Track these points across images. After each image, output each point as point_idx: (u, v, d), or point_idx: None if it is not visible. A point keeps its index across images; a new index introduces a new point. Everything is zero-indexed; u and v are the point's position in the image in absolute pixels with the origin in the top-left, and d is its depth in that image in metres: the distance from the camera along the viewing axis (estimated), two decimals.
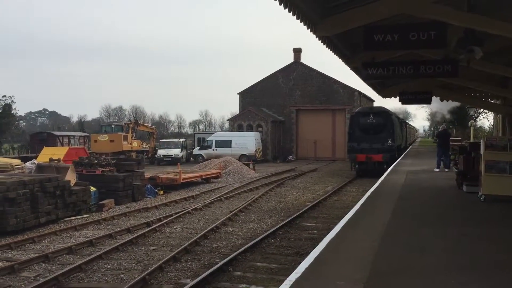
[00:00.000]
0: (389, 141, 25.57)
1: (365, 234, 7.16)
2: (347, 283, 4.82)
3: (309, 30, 6.75)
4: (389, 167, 20.75)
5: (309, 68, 46.87)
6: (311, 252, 6.01)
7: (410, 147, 45.79)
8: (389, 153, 25.43)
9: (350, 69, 11.13)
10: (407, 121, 65.13)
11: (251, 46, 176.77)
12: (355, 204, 10.53)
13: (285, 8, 5.57)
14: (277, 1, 5.36)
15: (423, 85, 16.48)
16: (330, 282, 4.84)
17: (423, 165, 21.19)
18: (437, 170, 18.17)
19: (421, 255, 5.90)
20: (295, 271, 5.22)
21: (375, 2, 7.02)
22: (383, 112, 27.37)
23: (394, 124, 27.02)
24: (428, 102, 17.33)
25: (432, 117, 68.10)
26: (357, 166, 26.69)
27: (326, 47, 8.62)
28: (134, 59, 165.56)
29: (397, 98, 16.89)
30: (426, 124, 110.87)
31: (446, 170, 18.02)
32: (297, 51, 47.54)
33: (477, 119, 43.89)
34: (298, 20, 6.20)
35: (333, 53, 9.34)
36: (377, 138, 25.75)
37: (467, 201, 10.80)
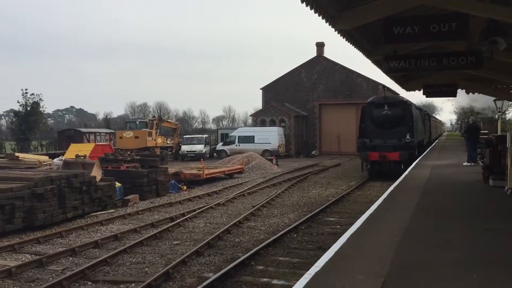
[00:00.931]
0: (408, 137, 21.63)
1: (387, 229, 7.11)
2: (367, 276, 4.81)
3: (327, 23, 6.71)
4: (408, 167, 18.18)
5: (332, 62, 46.52)
6: (332, 247, 6.00)
7: (435, 142, 43.65)
8: (407, 150, 21.55)
9: (372, 62, 11.00)
10: (432, 115, 63.04)
11: (274, 41, 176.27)
12: (378, 199, 10.45)
13: (302, 2, 5.55)
14: None
15: (447, 77, 16.15)
16: (350, 276, 4.83)
17: (449, 159, 20.86)
18: (468, 164, 17.83)
19: (443, 250, 5.83)
20: (315, 264, 5.23)
21: None
22: (400, 103, 23.46)
23: (413, 117, 23.02)
24: (453, 95, 17.00)
25: (460, 110, 66.19)
26: (369, 166, 22.85)
27: (346, 40, 8.55)
28: (158, 56, 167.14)
29: (421, 91, 16.63)
30: (453, 117, 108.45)
31: (473, 164, 17.70)
32: (320, 45, 47.23)
33: (506, 112, 42.74)
34: (316, 14, 6.18)
35: (353, 46, 9.25)
36: (394, 133, 22.04)
37: (493, 196, 10.60)
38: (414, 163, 19.24)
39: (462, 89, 17.75)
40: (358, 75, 45.30)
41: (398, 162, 21.35)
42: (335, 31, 7.42)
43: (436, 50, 10.44)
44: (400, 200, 10.06)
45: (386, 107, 22.34)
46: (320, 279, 4.76)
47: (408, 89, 17.31)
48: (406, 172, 15.66)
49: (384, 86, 44.96)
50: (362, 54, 9.88)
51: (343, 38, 8.20)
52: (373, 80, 45.03)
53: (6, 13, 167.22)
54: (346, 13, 7.02)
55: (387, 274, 4.87)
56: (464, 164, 17.96)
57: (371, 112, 22.67)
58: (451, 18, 6.79)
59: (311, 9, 5.99)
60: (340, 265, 5.23)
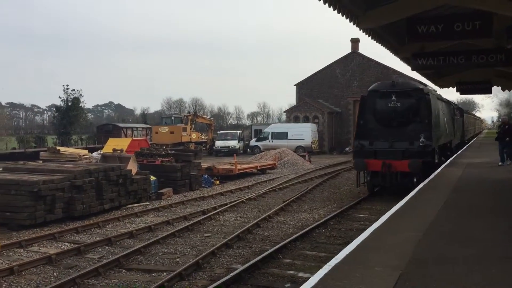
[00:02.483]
0: (423, 139, 15.12)
1: (411, 224, 7.20)
2: (385, 269, 4.97)
3: (351, 23, 6.84)
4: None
5: (367, 58, 46.05)
6: (354, 240, 6.16)
7: (472, 141, 41.05)
8: (421, 158, 15.15)
9: (400, 59, 11.00)
10: (465, 110, 53.71)
11: (309, 38, 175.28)
12: (406, 196, 10.46)
13: (325, 3, 5.69)
14: None
15: (481, 74, 15.87)
16: (368, 268, 5.00)
17: (485, 158, 20.41)
18: (501, 164, 17.40)
19: (466, 246, 5.90)
20: (335, 257, 5.42)
21: None
22: (414, 91, 16.33)
23: (433, 111, 16.38)
24: (488, 92, 16.69)
25: (504, 106, 63.47)
26: (368, 178, 16.48)
27: (372, 38, 8.62)
28: (195, 52, 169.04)
29: (455, 88, 16.37)
30: (495, 114, 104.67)
31: (508, 163, 17.29)
32: (355, 41, 46.79)
33: None
34: (340, 14, 6.32)
35: (380, 44, 9.30)
36: (403, 133, 15.75)
37: None
38: (448, 161, 18.94)
39: (497, 86, 17.38)
40: (394, 71, 44.66)
41: (407, 174, 15.15)
42: (360, 30, 7.53)
43: (465, 47, 10.36)
44: (428, 197, 10.07)
45: (393, 97, 15.77)
46: (338, 270, 4.95)
47: (441, 86, 17.10)
48: (438, 170, 15.49)
49: (420, 83, 44.10)
50: (389, 51, 9.90)
51: (369, 36, 8.29)
52: (409, 76, 44.31)
53: (51, 12, 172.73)
54: (370, 12, 7.11)
55: (405, 267, 5.01)
56: (499, 164, 17.55)
57: (374, 104, 16.41)
58: (475, 16, 6.80)
59: (334, 9, 6.14)
60: (360, 258, 5.40)
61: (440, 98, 19.28)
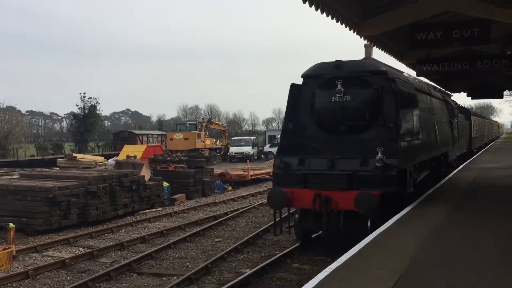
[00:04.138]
0: (380, 154, 8.62)
1: (414, 230, 7.24)
2: (385, 272, 5.06)
3: (351, 31, 6.96)
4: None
5: (382, 63, 45.88)
6: (356, 245, 6.26)
7: (487, 147, 37.03)
8: (378, 187, 8.67)
9: (405, 65, 11.04)
10: (473, 111, 34.23)
11: (322, 44, 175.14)
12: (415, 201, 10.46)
13: (322, 13, 5.84)
14: (313, 6, 5.67)
15: (491, 79, 15.79)
16: (368, 271, 5.10)
17: (501, 162, 20.15)
18: None
19: (467, 250, 5.95)
20: (336, 260, 5.53)
21: (417, 2, 7.08)
22: (372, 75, 9.36)
23: (403, 107, 9.57)
24: (500, 96, 16.59)
25: None
26: (297, 218, 9.93)
27: (375, 46, 8.70)
28: (212, 59, 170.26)
29: (466, 93, 16.34)
30: None
31: None
32: (368, 47, 46.55)
33: None
34: (339, 23, 6.46)
35: (383, 51, 9.37)
36: (354, 144, 9.33)
37: None
38: (461, 166, 18.75)
39: (509, 90, 17.27)
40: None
41: (356, 215, 8.74)
42: (361, 37, 7.64)
43: (469, 53, 10.38)
44: (436, 203, 10.06)
45: (339, 87, 9.17)
46: (339, 273, 5.06)
47: (451, 91, 17.01)
48: (450, 175, 15.38)
49: (435, 87, 43.69)
50: (394, 58, 9.98)
51: (371, 43, 8.38)
52: (425, 81, 43.95)
53: (75, 22, 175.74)
54: (370, 20, 7.24)
55: (405, 270, 5.10)
56: None
57: (310, 96, 9.81)
58: (473, 23, 6.87)
59: (332, 18, 6.27)
60: (361, 262, 5.50)
61: (423, 89, 11.32)
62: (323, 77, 9.58)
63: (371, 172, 8.64)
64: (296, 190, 9.08)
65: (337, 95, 9.14)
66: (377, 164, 8.51)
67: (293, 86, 9.92)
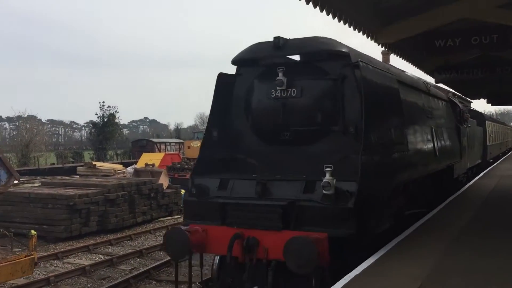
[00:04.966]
0: (327, 178, 5.44)
1: (436, 237, 7.16)
2: (406, 279, 5.02)
3: (369, 39, 6.97)
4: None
5: (400, 70, 45.59)
6: (375, 253, 6.21)
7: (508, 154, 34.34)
8: (329, 228, 5.44)
9: (424, 72, 10.98)
10: (496, 118, 36.37)
11: None
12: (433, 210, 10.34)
13: (339, 21, 5.85)
14: (330, 15, 5.68)
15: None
16: (389, 278, 5.06)
17: None
18: None
19: (491, 259, 5.86)
20: (356, 268, 5.49)
21: (436, 9, 7.05)
22: (329, 59, 6.25)
23: (374, 104, 6.04)
24: None
25: None
26: (215, 269, 6.60)
27: (393, 53, 8.69)
28: (227, 67, 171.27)
29: (486, 99, 16.15)
30: None
31: None
32: (386, 54, 46.36)
33: None
34: (356, 31, 6.47)
35: (401, 58, 9.33)
36: (300, 160, 6.29)
37: None
38: (482, 174, 18.41)
39: None
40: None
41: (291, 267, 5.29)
42: (378, 45, 7.65)
43: (488, 59, 10.28)
44: (457, 211, 9.92)
45: (281, 76, 6.16)
46: (359, 280, 5.03)
47: (472, 97, 16.83)
48: (470, 183, 15.14)
49: (454, 94, 43.26)
50: (412, 65, 9.94)
51: (389, 51, 8.38)
52: (442, 87, 43.52)
53: (96, 33, 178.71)
54: (387, 28, 7.22)
55: (426, 277, 5.05)
56: None
57: (245, 92, 6.94)
58: (492, 30, 6.82)
59: (349, 26, 6.28)
60: (381, 269, 5.45)
61: (412, 84, 8.52)
62: (262, 64, 6.82)
63: (317, 203, 5.62)
64: (211, 228, 6.06)
65: (278, 88, 6.21)
66: (324, 191, 5.50)
67: (222, 77, 7.02)
